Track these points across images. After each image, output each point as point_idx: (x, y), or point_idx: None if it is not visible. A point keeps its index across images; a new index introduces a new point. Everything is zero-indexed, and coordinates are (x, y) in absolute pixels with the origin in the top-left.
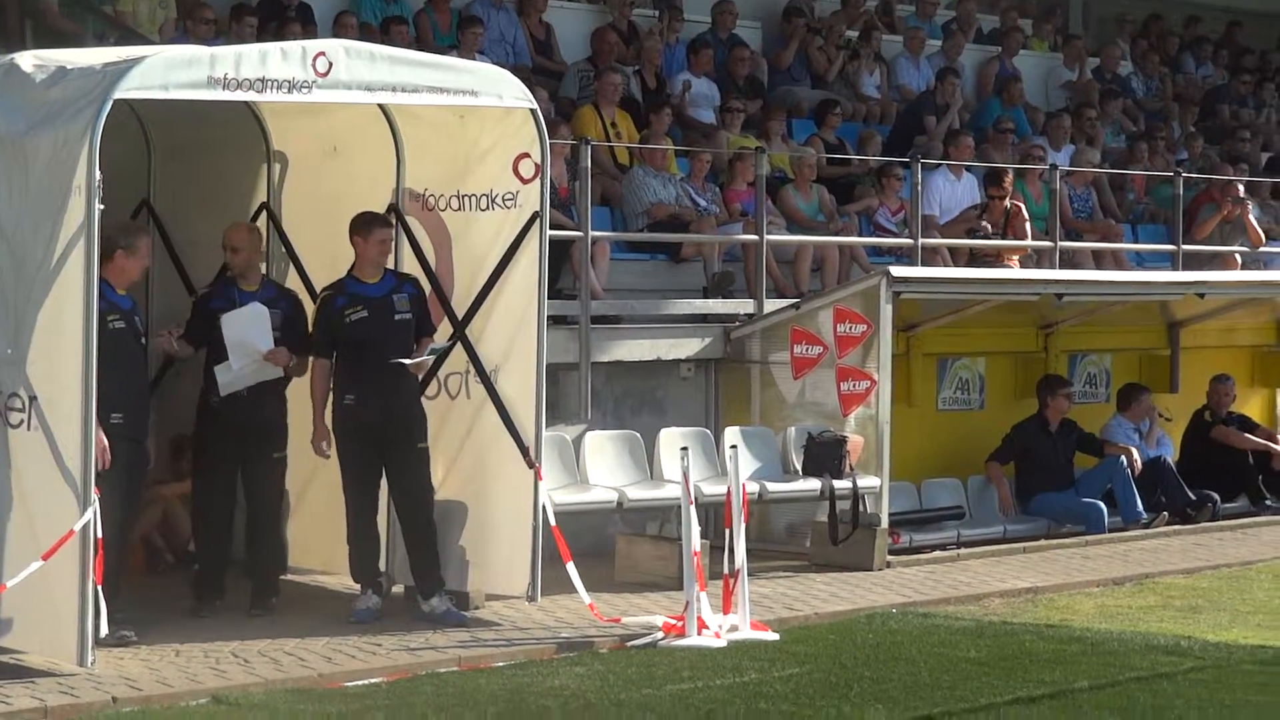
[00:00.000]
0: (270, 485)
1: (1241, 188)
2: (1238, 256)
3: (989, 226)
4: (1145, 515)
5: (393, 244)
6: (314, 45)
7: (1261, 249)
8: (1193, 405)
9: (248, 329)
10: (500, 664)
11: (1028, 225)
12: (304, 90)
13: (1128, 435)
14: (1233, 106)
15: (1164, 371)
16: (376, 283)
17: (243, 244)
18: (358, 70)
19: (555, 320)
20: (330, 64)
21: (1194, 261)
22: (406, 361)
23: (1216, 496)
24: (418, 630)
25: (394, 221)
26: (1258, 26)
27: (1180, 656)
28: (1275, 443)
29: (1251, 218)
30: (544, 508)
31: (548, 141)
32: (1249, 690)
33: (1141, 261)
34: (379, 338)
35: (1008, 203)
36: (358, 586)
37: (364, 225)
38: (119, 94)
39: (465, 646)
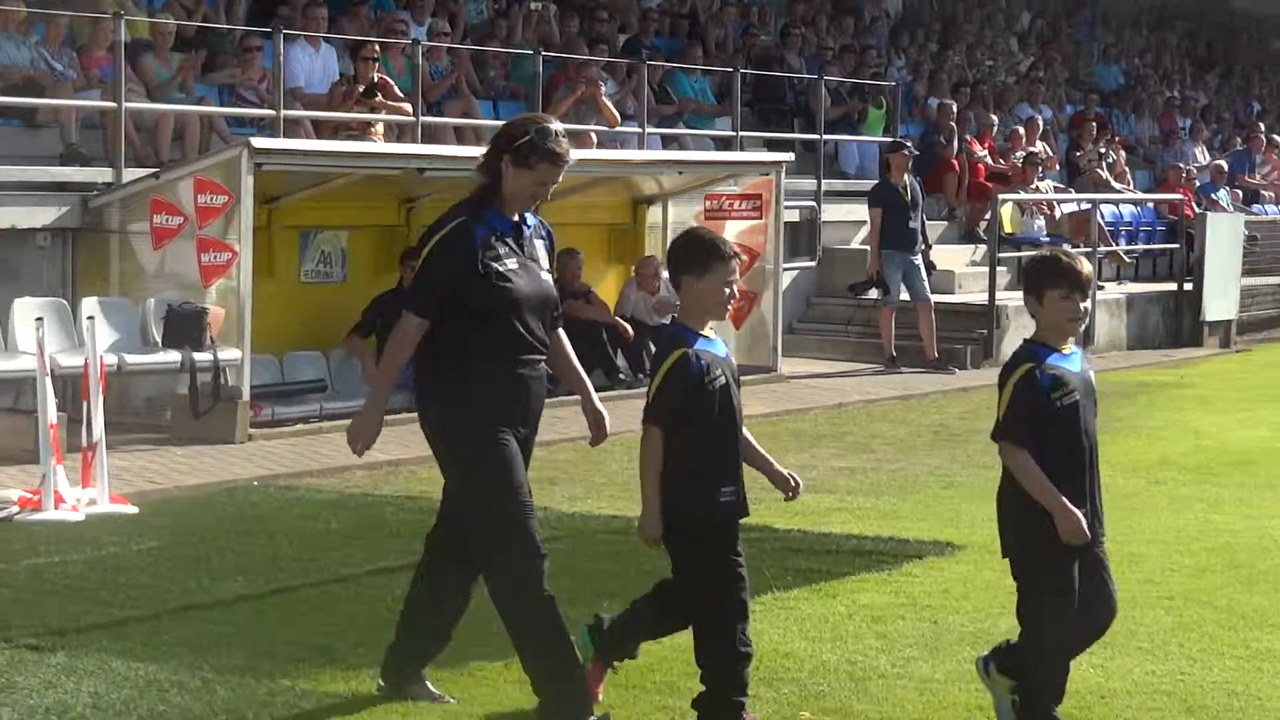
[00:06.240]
0: None
1: (597, 69)
2: (594, 135)
3: (360, 89)
4: None
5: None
6: None
7: (617, 129)
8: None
9: None
10: None
11: (397, 90)
12: None
13: None
14: None
15: None
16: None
17: None
18: None
19: None
20: None
21: None
22: None
23: None
24: None
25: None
26: None
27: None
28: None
29: (604, 98)
30: None
31: None
32: (603, 559)
33: None
34: None
35: (374, 75)
36: None
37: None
38: None
39: None
